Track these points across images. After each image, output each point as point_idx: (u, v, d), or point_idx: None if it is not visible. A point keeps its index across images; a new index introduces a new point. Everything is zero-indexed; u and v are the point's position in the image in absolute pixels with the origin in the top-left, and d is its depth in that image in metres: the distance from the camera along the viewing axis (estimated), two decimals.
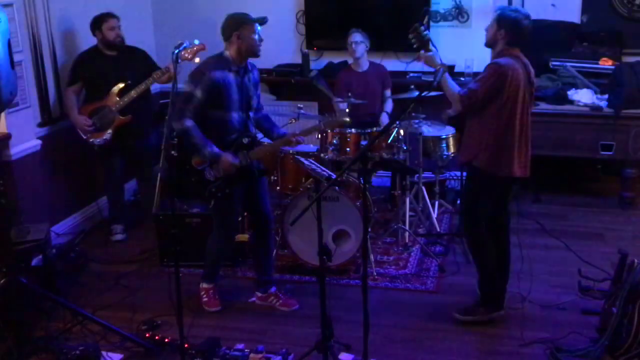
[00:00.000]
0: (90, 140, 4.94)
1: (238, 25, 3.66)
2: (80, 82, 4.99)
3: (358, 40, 5.13)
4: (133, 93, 4.85)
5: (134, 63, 5.02)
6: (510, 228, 3.95)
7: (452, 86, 3.62)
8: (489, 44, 3.69)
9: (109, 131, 4.93)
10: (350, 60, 5.97)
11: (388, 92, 5.33)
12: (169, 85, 4.82)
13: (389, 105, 5.33)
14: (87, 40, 5.26)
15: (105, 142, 4.94)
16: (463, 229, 4.02)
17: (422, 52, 3.69)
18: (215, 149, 3.68)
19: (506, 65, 3.50)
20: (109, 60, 4.97)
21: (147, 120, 5.13)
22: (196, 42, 4.39)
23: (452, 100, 3.64)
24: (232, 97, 3.70)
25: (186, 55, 4.60)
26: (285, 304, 4.07)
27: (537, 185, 5.66)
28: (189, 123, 3.64)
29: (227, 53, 3.71)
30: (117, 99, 4.90)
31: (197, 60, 4.65)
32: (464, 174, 5.05)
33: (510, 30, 3.57)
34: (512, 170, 3.62)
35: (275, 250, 4.59)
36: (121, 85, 4.90)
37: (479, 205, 3.76)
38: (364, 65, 5.22)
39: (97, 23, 4.94)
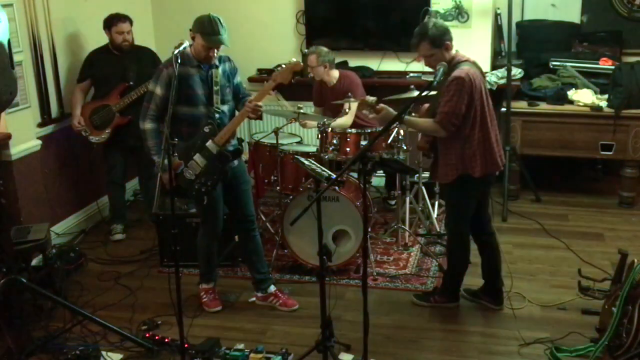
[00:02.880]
0: (90, 137, 4.98)
1: (195, 30, 3.65)
2: (88, 79, 5.03)
3: (313, 64, 4.96)
4: (133, 94, 4.88)
5: (141, 64, 5.03)
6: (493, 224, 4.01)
7: (421, 120, 3.63)
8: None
9: (107, 130, 4.95)
10: (349, 61, 5.99)
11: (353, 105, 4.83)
12: None
13: (347, 117, 4.86)
14: (87, 40, 5.27)
15: (102, 140, 4.98)
16: (450, 236, 3.99)
17: (375, 115, 3.78)
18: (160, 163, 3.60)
19: (467, 76, 3.51)
20: (116, 60, 4.99)
21: None
22: None
23: (431, 131, 3.66)
24: (195, 92, 3.71)
25: None
26: (285, 303, 4.07)
27: (537, 185, 5.66)
28: (148, 125, 3.70)
29: (189, 49, 3.70)
30: (118, 99, 4.92)
31: None
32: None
33: (447, 38, 3.58)
34: (498, 165, 3.72)
35: (275, 250, 4.60)
36: (123, 85, 4.91)
37: (466, 211, 3.81)
38: (332, 81, 5.07)
39: (107, 24, 4.95)
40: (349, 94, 4.79)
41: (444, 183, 3.84)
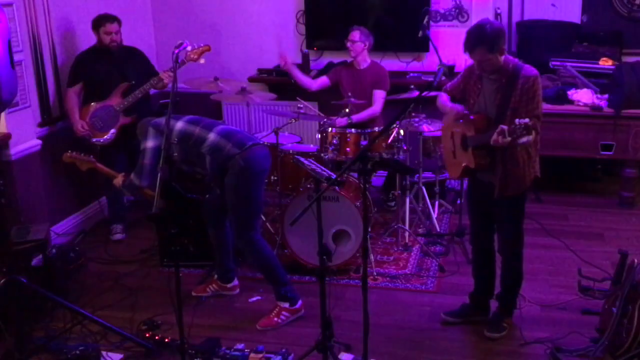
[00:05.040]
0: (93, 140, 4.94)
1: None
2: (81, 82, 4.98)
3: (355, 39, 5.03)
4: (138, 93, 4.84)
5: (135, 63, 5.02)
6: None
7: (533, 136, 3.27)
8: (496, 70, 3.39)
9: (112, 131, 4.93)
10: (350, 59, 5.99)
11: (378, 93, 5.04)
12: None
13: (376, 106, 5.05)
14: (87, 40, 5.26)
15: (108, 142, 4.94)
16: (516, 251, 3.75)
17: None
18: None
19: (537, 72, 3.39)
20: (109, 60, 4.96)
21: None
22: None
23: (532, 139, 3.32)
24: None
25: (192, 56, 4.62)
26: (261, 321, 3.96)
27: (537, 185, 5.66)
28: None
29: None
30: (121, 99, 4.90)
31: (202, 61, 4.67)
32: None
33: (503, 42, 3.34)
34: None
35: (275, 250, 4.59)
36: (125, 85, 4.90)
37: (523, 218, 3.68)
38: (363, 64, 5.14)
39: (96, 24, 4.93)
40: (349, 94, 4.81)
41: (512, 195, 3.55)
